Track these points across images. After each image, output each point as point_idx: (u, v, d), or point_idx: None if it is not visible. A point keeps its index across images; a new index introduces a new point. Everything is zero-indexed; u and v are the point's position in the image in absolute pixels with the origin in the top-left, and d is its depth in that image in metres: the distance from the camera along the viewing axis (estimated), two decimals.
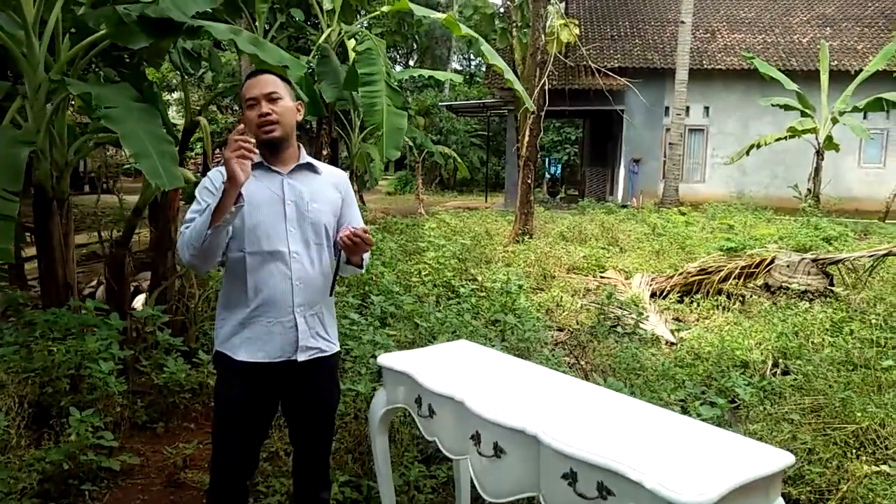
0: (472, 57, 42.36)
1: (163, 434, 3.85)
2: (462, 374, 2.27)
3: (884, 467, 3.09)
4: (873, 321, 4.99)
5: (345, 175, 2.56)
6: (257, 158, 2.16)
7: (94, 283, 6.49)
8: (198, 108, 5.33)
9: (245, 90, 2.27)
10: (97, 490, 3.16)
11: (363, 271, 2.52)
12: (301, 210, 2.29)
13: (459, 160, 17.19)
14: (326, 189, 2.39)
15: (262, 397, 2.31)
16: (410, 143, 17.28)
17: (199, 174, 5.46)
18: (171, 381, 3.95)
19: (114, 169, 15.51)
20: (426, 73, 11.79)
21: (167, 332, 4.23)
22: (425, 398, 2.24)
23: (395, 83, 6.75)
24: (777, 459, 1.69)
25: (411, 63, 41.36)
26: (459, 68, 41.83)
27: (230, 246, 2.21)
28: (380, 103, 6.43)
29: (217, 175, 2.26)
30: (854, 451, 3.18)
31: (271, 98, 2.22)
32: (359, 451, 3.28)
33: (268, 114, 2.21)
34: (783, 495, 2.13)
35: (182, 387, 4.01)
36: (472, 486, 2.64)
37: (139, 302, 5.39)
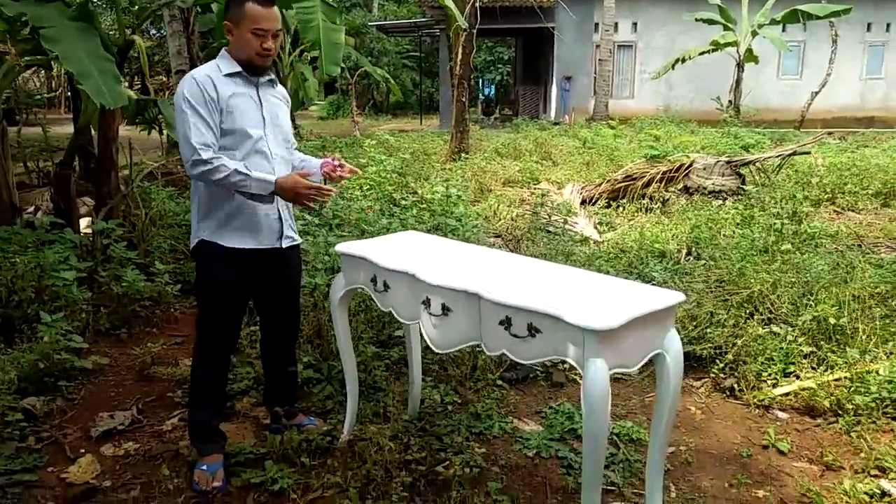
0: None
1: (126, 339, 4.06)
2: (412, 255, 2.58)
3: (774, 327, 3.62)
4: (776, 213, 5.53)
5: (285, 91, 2.85)
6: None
7: (30, 209, 6.48)
8: (132, 26, 5.28)
9: (256, 16, 2.44)
10: (72, 386, 3.40)
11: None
12: (272, 119, 2.61)
13: (393, 82, 17.08)
14: (283, 100, 2.72)
15: (246, 280, 2.63)
16: (343, 65, 16.99)
17: (139, 93, 5.46)
18: (131, 291, 4.15)
19: (26, 99, 14.86)
20: None
21: (122, 244, 4.39)
22: (380, 276, 2.55)
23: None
24: (669, 298, 2.07)
25: None
26: None
27: (223, 145, 2.47)
28: (315, 19, 6.43)
29: (197, 84, 2.44)
30: (748, 313, 3.69)
31: (276, 35, 2.48)
32: (318, 339, 3.61)
33: (270, 49, 2.49)
34: (687, 354, 2.55)
35: (142, 295, 4.22)
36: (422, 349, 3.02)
37: (83, 225, 5.47)
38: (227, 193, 2.51)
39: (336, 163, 2.71)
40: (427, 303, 2.35)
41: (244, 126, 2.50)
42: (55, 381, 3.35)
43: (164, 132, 9.41)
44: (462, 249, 2.71)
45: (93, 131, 5.74)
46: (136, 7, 6.76)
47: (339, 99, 28.68)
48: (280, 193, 2.45)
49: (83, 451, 2.83)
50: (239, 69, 2.52)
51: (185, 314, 4.40)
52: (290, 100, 2.83)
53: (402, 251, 2.63)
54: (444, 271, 2.36)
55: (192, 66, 9.44)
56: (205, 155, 2.37)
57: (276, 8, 2.51)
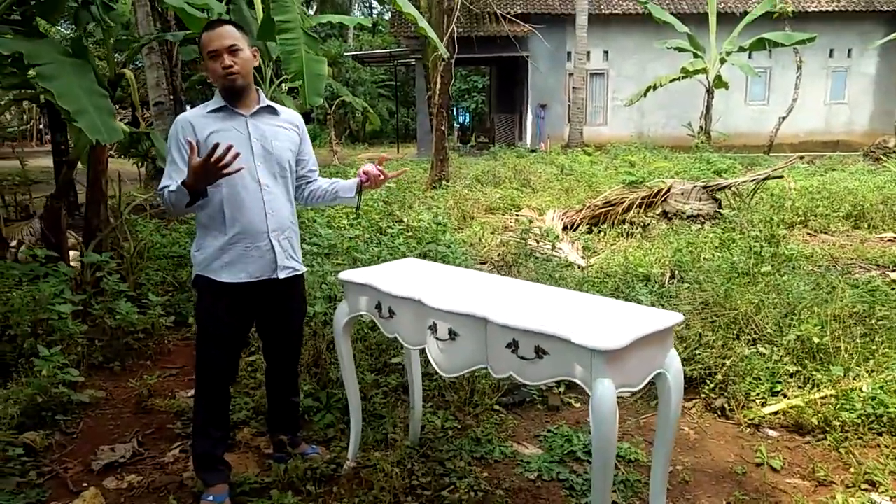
0: (373, 4, 41.74)
1: (120, 372, 4.06)
2: (416, 281, 2.65)
3: (760, 347, 3.73)
4: (755, 236, 5.70)
5: (299, 115, 2.85)
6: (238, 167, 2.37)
7: (13, 243, 6.44)
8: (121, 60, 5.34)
9: (206, 42, 2.49)
10: (70, 420, 3.39)
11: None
12: (266, 148, 2.60)
13: (371, 111, 17.24)
14: (285, 128, 2.70)
15: (243, 311, 2.64)
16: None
17: (130, 125, 5.49)
18: (125, 323, 4.15)
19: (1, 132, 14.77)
20: (335, 18, 11.72)
21: (115, 277, 4.39)
22: (385, 302, 2.61)
23: (311, 30, 6.88)
24: (669, 318, 2.16)
25: (311, 11, 40.31)
26: (361, 17, 41.07)
27: None
28: (298, 50, 6.52)
29: (176, 127, 2.53)
30: (735, 334, 3.81)
31: (232, 50, 2.48)
32: (316, 368, 3.64)
33: (230, 66, 2.48)
34: None
35: (135, 328, 4.22)
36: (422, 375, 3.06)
37: (71, 257, 5.46)
38: (221, 226, 2.53)
39: (375, 171, 2.70)
40: (434, 328, 2.41)
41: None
42: (53, 416, 3.34)
43: (144, 164, 9.47)
44: (464, 275, 2.78)
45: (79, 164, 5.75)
46: (128, 42, 6.78)
47: (316, 128, 28.80)
48: (194, 183, 2.34)
49: (86, 484, 2.83)
50: (223, 104, 2.55)
51: (178, 346, 4.41)
52: (299, 125, 2.77)
53: (405, 278, 2.70)
54: (450, 296, 2.42)
55: (176, 97, 9.50)
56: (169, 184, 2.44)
57: (226, 27, 2.51)
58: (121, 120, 5.00)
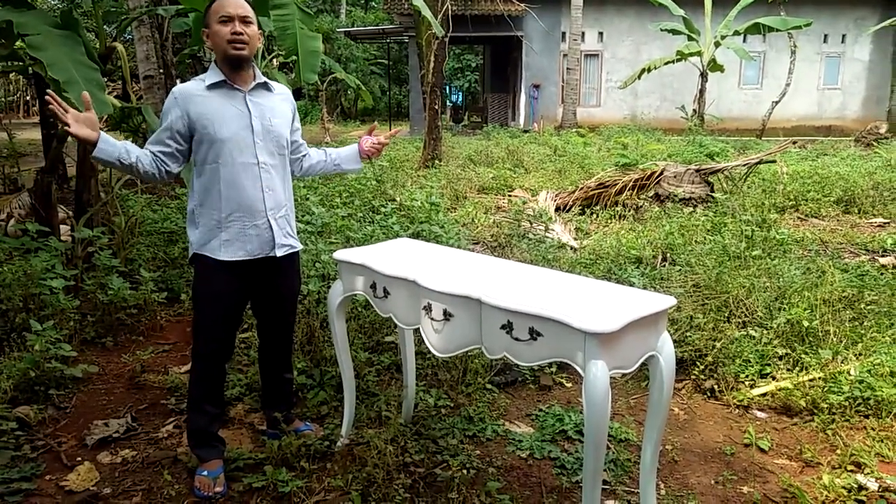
0: None
1: (113, 347, 4.05)
2: (411, 261, 2.65)
3: (750, 330, 3.77)
4: (746, 219, 5.73)
5: (289, 90, 2.84)
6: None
7: (2, 216, 6.38)
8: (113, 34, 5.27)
9: (219, 7, 2.48)
10: (63, 395, 3.39)
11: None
12: (265, 126, 2.59)
13: (364, 89, 17.11)
14: (281, 105, 2.69)
15: (241, 289, 2.65)
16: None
17: (120, 99, 5.43)
18: (117, 299, 4.14)
19: None
20: None
21: (106, 252, 4.37)
22: (380, 282, 2.61)
23: (304, 5, 6.80)
24: (663, 302, 2.18)
25: None
26: None
27: (206, 158, 2.49)
28: (292, 26, 6.46)
29: (173, 97, 2.52)
30: (725, 316, 3.84)
31: (245, 20, 2.48)
32: (309, 346, 3.65)
33: (241, 33, 2.47)
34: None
35: (127, 303, 4.21)
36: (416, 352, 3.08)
37: (62, 232, 5.42)
38: (218, 204, 2.53)
39: (373, 139, 2.87)
40: (428, 308, 2.42)
41: (224, 136, 2.49)
42: (45, 390, 3.34)
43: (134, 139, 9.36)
44: (459, 256, 2.78)
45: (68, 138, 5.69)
46: (117, 13, 6.68)
47: (307, 104, 28.59)
48: (92, 147, 2.37)
49: (80, 459, 2.84)
50: (222, 78, 2.53)
51: (170, 322, 4.40)
52: (291, 101, 2.77)
53: (400, 258, 2.70)
54: (445, 277, 2.43)
55: (166, 71, 9.38)
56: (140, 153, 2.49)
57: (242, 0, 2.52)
58: (110, 94, 4.94)
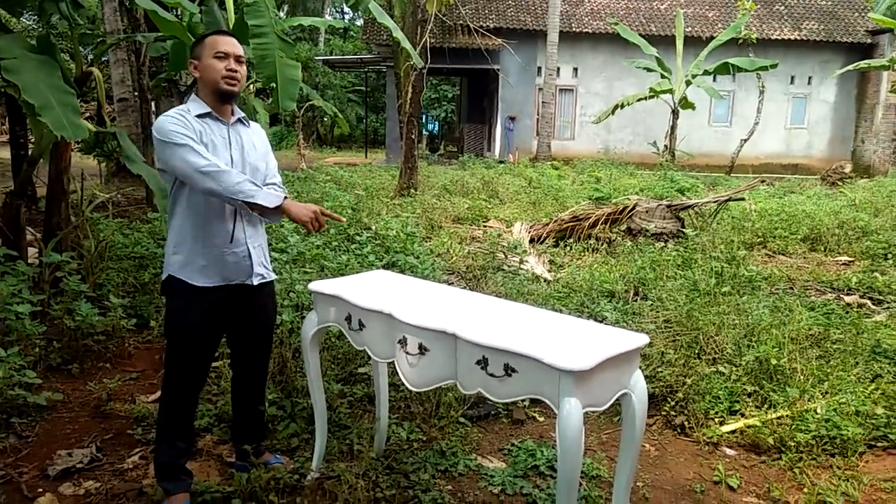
0: (345, 10, 41.55)
1: (78, 374, 3.97)
2: (387, 294, 2.65)
3: (719, 367, 3.82)
4: (716, 255, 5.83)
5: (262, 129, 2.88)
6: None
7: None
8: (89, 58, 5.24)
9: (215, 43, 2.54)
10: (26, 423, 3.31)
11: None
12: (245, 158, 2.63)
13: (341, 116, 17.18)
14: (257, 140, 2.76)
15: (216, 318, 2.63)
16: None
17: (95, 124, 5.39)
18: (84, 325, 4.06)
19: None
20: (306, 21, 11.65)
21: (75, 277, 4.30)
22: (355, 315, 2.61)
23: (284, 33, 6.85)
24: (635, 340, 2.21)
25: (282, 14, 40.01)
26: (332, 21, 40.87)
27: (190, 185, 2.48)
28: (271, 55, 6.50)
29: (176, 116, 2.49)
30: (696, 353, 3.89)
31: (239, 60, 2.56)
32: (281, 377, 3.61)
33: (235, 71, 2.55)
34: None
35: (95, 330, 4.13)
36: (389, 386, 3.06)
37: (30, 255, 5.32)
38: (199, 230, 2.53)
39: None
40: (403, 342, 2.42)
41: None
42: (7, 418, 3.25)
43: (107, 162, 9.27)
44: (435, 289, 2.79)
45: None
46: (93, 36, 6.66)
47: (283, 130, 28.59)
48: (289, 208, 2.45)
49: (41, 490, 2.76)
50: (208, 110, 2.57)
51: (139, 349, 4.33)
52: (265, 139, 2.83)
53: (376, 290, 2.70)
54: (421, 311, 2.44)
55: (141, 94, 9.34)
56: (213, 162, 2.40)
57: (236, 39, 2.60)
58: (85, 117, 4.90)
